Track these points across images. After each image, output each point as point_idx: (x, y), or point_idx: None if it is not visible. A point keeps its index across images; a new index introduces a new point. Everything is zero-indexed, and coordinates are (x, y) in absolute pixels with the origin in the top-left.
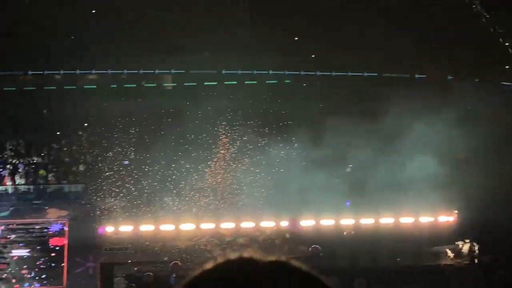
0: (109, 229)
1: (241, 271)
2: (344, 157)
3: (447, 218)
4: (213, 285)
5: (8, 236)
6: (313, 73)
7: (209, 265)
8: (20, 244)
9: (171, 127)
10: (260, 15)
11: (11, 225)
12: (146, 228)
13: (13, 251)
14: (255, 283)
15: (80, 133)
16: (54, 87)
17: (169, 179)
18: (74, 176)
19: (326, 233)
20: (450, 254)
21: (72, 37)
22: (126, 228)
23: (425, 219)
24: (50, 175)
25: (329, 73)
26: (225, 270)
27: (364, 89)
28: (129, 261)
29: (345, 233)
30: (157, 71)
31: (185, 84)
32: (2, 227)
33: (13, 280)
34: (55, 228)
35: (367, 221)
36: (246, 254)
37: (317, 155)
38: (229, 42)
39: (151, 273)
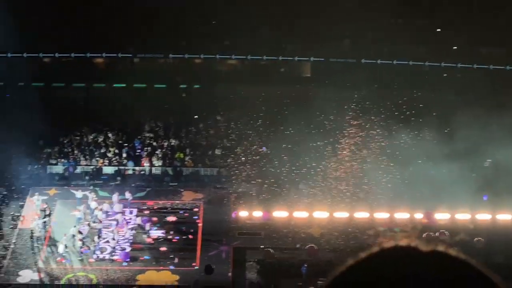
0: (242, 214)
1: (402, 259)
2: (481, 151)
3: None
4: (373, 273)
5: (144, 217)
6: (454, 65)
7: (364, 254)
8: (156, 225)
9: (307, 114)
10: (403, 5)
11: (147, 206)
12: (279, 214)
13: (149, 232)
14: (417, 273)
15: (218, 117)
16: (193, 71)
17: (304, 166)
18: (210, 160)
19: (461, 227)
20: None
21: (214, 22)
22: (259, 214)
23: None
24: (187, 158)
25: (470, 66)
26: (384, 259)
27: (506, 83)
28: (262, 246)
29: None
30: (296, 59)
31: (322, 72)
32: (139, 208)
33: (148, 260)
34: (190, 210)
35: (504, 217)
36: (402, 242)
37: (452, 147)
38: (370, 31)
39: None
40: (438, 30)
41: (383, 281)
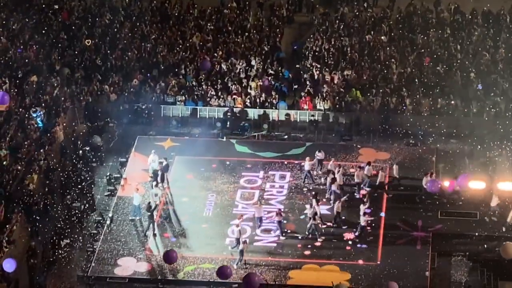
0: (446, 183)
1: None
2: None
3: None
4: None
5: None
6: None
7: None
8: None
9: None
10: None
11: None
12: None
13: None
14: None
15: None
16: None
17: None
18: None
19: None
20: None
21: None
22: (477, 184)
23: None
24: (370, 96)
25: None
26: None
27: None
28: (476, 234)
29: None
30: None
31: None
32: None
33: (308, 250)
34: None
35: None
36: None
37: None
38: None
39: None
40: None
41: None
